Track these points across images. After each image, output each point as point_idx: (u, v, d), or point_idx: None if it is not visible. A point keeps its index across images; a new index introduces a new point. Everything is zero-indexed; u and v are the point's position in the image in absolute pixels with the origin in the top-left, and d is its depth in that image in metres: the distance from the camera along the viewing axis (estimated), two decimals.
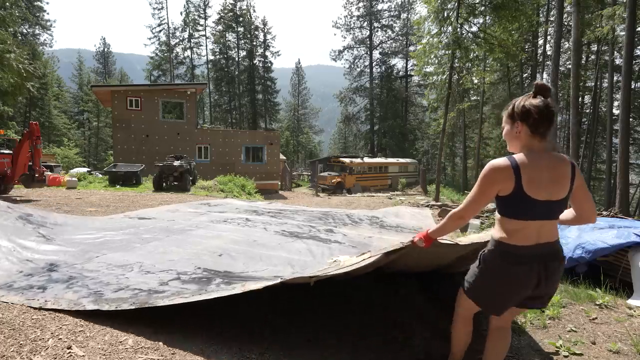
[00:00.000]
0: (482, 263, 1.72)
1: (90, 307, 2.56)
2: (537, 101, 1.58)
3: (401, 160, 32.94)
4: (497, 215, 1.71)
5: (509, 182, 1.55)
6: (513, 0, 17.56)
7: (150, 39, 49.01)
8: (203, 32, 49.88)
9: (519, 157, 1.58)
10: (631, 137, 23.32)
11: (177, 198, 10.63)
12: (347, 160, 26.95)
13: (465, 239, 2.43)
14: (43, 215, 5.19)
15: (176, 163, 13.65)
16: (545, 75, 30.06)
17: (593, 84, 26.18)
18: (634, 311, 3.27)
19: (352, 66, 47.29)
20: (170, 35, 48.92)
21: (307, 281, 2.17)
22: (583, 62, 26.63)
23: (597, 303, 3.38)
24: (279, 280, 2.29)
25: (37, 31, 41.66)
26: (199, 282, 3.33)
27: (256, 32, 50.04)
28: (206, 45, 50.02)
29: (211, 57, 49.81)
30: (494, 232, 1.70)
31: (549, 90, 1.61)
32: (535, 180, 1.54)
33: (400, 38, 46.09)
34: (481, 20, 21.55)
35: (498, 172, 1.57)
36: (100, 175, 18.15)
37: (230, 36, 49.64)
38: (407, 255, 2.06)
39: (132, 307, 2.41)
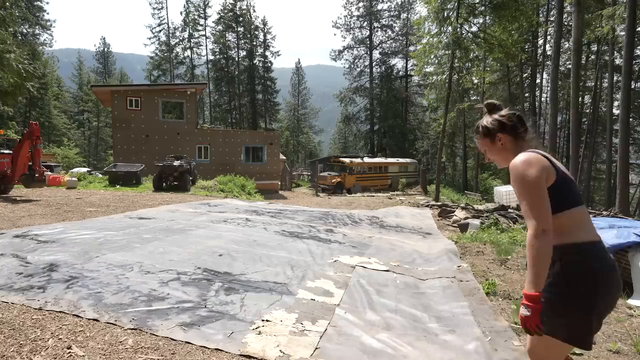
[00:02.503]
0: (566, 285, 1.35)
1: (90, 314, 2.56)
2: (501, 112, 1.63)
3: (401, 160, 32.92)
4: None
5: (550, 168, 1.41)
6: (513, 0, 17.56)
7: (150, 38, 49.08)
8: (203, 32, 49.92)
9: (531, 150, 1.49)
10: (631, 137, 23.34)
11: (177, 198, 10.63)
12: (347, 160, 26.94)
13: None
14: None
15: (176, 163, 13.65)
16: (545, 75, 30.09)
17: (593, 84, 26.19)
18: (634, 311, 3.26)
19: (352, 66, 47.29)
20: (170, 35, 48.92)
21: None
22: (583, 62, 26.63)
23: None
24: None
25: (37, 31, 41.63)
26: (198, 283, 3.33)
27: (256, 32, 50.04)
28: (206, 45, 50.09)
29: (211, 57, 49.84)
30: (557, 240, 1.35)
31: (500, 105, 1.67)
32: (560, 168, 1.46)
33: (400, 38, 46.06)
34: (481, 20, 21.53)
35: (536, 160, 1.40)
36: (100, 175, 18.14)
37: (230, 36, 49.63)
38: None
39: (131, 326, 2.40)
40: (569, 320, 1.34)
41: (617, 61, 22.41)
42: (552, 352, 1.39)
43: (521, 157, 1.43)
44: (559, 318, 1.34)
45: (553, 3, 24.39)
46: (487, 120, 1.66)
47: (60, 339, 2.21)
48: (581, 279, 1.33)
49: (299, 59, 62.68)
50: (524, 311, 1.30)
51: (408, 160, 33.80)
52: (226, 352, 2.20)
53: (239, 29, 49.24)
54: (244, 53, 49.92)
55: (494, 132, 1.63)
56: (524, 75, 32.59)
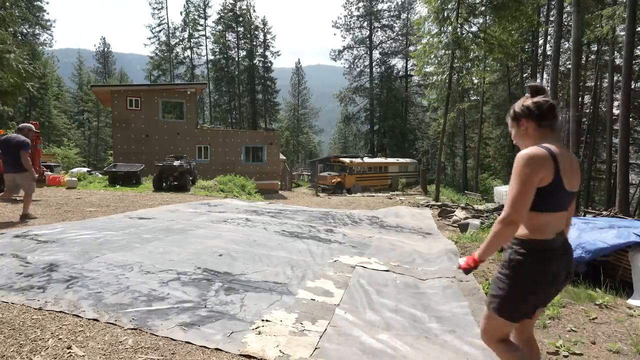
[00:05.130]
0: (513, 270, 1.56)
1: (90, 314, 2.57)
2: (536, 98, 1.65)
3: (401, 160, 32.91)
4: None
5: (549, 170, 1.48)
6: (513, 0, 17.56)
7: (150, 38, 49.10)
8: (203, 32, 49.94)
9: (550, 145, 1.53)
10: (631, 137, 23.31)
11: (177, 198, 10.63)
12: (347, 160, 26.93)
13: None
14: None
15: (176, 163, 13.63)
16: (545, 75, 30.07)
17: (593, 84, 26.18)
18: (634, 311, 3.26)
19: (352, 66, 47.29)
20: (170, 35, 48.93)
21: None
22: (583, 62, 26.61)
23: (597, 303, 3.38)
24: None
25: (37, 31, 41.59)
26: (198, 283, 3.33)
27: (256, 32, 50.05)
28: (206, 45, 50.10)
29: (211, 57, 49.84)
30: (520, 231, 1.55)
31: (544, 89, 1.68)
32: (567, 170, 1.52)
33: (400, 38, 46.07)
34: (481, 20, 21.55)
35: (539, 160, 1.48)
36: (100, 175, 18.14)
37: (230, 36, 49.64)
38: None
39: (131, 326, 2.40)
40: (506, 298, 1.57)
41: (617, 61, 22.41)
42: (501, 326, 1.65)
43: (527, 151, 1.51)
44: (500, 295, 1.59)
45: (553, 3, 24.38)
46: (519, 104, 1.69)
47: (60, 339, 2.21)
48: (521, 270, 1.55)
49: (299, 59, 62.75)
50: (463, 263, 1.65)
51: (408, 160, 33.80)
52: (226, 352, 2.20)
53: (239, 29, 49.26)
54: (244, 53, 49.94)
55: (520, 117, 1.67)
56: (524, 75, 32.59)
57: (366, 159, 29.07)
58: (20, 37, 36.70)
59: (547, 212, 1.53)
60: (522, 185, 1.47)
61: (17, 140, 5.89)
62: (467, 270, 1.65)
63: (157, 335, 2.32)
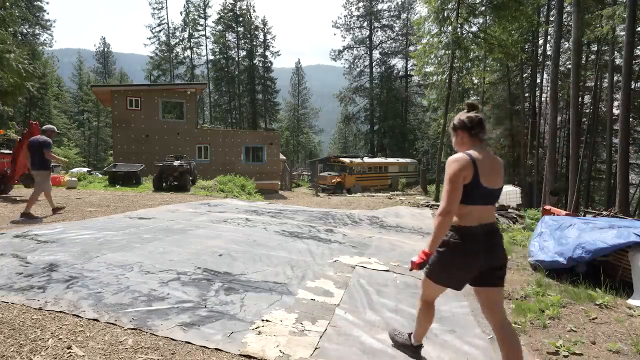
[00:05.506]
0: (443, 246, 1.99)
1: (90, 314, 2.57)
2: (470, 113, 2.08)
3: (401, 160, 32.90)
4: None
5: (469, 171, 1.89)
6: (513, 0, 17.55)
7: (150, 38, 49.08)
8: (203, 32, 49.91)
9: (471, 152, 1.95)
10: (631, 137, 23.30)
11: (177, 198, 10.63)
12: (347, 160, 26.92)
13: None
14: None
15: (176, 163, 13.63)
16: (545, 75, 30.08)
17: (593, 84, 26.15)
18: (634, 311, 3.26)
19: (352, 66, 47.25)
20: (170, 35, 48.91)
21: None
22: (583, 62, 26.61)
23: (597, 303, 3.38)
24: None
25: (37, 31, 41.56)
26: (198, 283, 3.33)
27: (256, 32, 50.03)
28: (206, 45, 50.08)
29: (211, 57, 49.82)
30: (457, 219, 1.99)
31: (477, 106, 2.13)
32: (485, 171, 1.92)
33: (400, 38, 46.03)
34: (481, 20, 21.53)
35: (462, 163, 1.90)
36: (100, 175, 18.14)
37: (230, 36, 49.62)
38: None
39: (131, 326, 2.40)
40: (439, 269, 2.02)
41: (617, 61, 22.39)
42: (430, 289, 2.14)
43: (455, 156, 1.96)
44: (436, 267, 2.02)
45: (553, 3, 24.37)
46: (457, 117, 2.11)
47: (60, 339, 2.21)
48: (448, 247, 1.97)
49: (299, 59, 62.72)
50: (416, 259, 1.98)
51: (408, 160, 33.79)
52: (226, 352, 2.20)
53: (239, 29, 49.25)
54: (244, 53, 49.93)
55: (457, 128, 2.10)
56: (524, 75, 32.56)
57: (366, 159, 29.07)
58: (20, 37, 36.68)
59: (470, 204, 1.93)
60: (451, 182, 1.89)
61: (40, 141, 6.61)
62: (421, 265, 1.96)
63: (157, 335, 2.32)
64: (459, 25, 18.45)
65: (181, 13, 49.30)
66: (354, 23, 46.65)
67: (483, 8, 19.45)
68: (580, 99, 25.93)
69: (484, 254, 1.96)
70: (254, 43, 49.90)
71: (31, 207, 6.37)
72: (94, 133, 51.69)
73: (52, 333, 2.27)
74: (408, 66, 45.59)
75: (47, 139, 6.69)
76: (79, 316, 2.53)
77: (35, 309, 2.61)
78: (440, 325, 2.82)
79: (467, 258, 1.95)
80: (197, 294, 3.05)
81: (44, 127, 7.13)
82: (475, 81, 24.88)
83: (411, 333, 2.32)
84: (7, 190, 9.58)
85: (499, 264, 2.00)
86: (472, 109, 2.10)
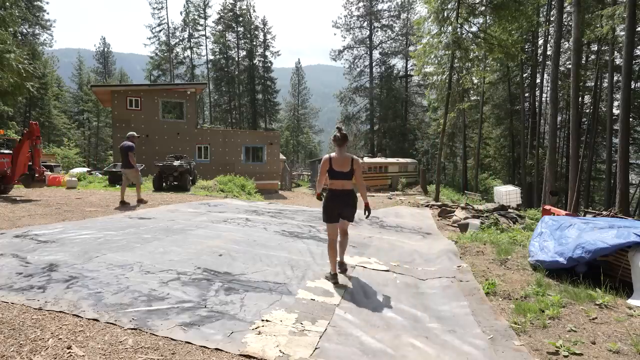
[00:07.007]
0: (324, 200, 3.71)
1: (90, 314, 2.56)
2: (336, 132, 3.66)
3: (401, 160, 32.89)
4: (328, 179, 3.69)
5: (328, 164, 3.63)
6: (513, 0, 17.55)
7: (150, 38, 49.03)
8: (203, 32, 49.88)
9: (333, 154, 3.65)
10: (631, 137, 23.32)
11: (177, 198, 10.63)
12: None
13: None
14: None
15: (176, 163, 13.63)
16: (545, 75, 30.08)
17: (593, 84, 26.17)
18: (634, 311, 3.26)
19: (352, 66, 47.19)
20: (170, 35, 48.87)
21: None
22: (583, 62, 26.61)
23: (597, 303, 3.38)
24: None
25: (37, 31, 41.53)
26: (198, 283, 3.33)
27: (256, 32, 50.03)
28: (206, 45, 50.06)
29: (211, 57, 49.80)
30: (328, 185, 3.71)
31: (341, 127, 3.72)
32: (337, 163, 3.60)
33: (400, 38, 45.99)
34: (481, 20, 21.53)
35: (326, 160, 3.65)
36: (100, 175, 18.14)
37: (230, 36, 49.62)
38: None
39: (131, 326, 2.40)
40: (323, 212, 3.74)
41: (617, 61, 22.41)
42: (328, 228, 3.77)
43: (325, 156, 3.69)
44: (323, 212, 3.76)
45: (553, 3, 24.38)
46: (334, 134, 3.71)
47: (60, 339, 2.21)
48: (325, 200, 3.69)
49: (299, 59, 62.73)
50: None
51: (408, 160, 33.78)
52: (226, 352, 2.20)
53: (239, 29, 49.25)
54: (244, 53, 49.92)
55: (333, 140, 3.66)
56: (524, 75, 32.56)
57: (366, 159, 29.06)
58: (20, 37, 36.68)
59: (332, 179, 3.64)
60: (322, 169, 3.66)
61: (125, 146, 8.20)
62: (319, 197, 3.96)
63: (157, 335, 2.32)
64: (459, 25, 18.45)
65: (181, 13, 49.29)
66: (354, 23, 46.63)
67: (483, 8, 19.44)
68: (580, 99, 25.92)
69: (341, 204, 3.65)
70: (254, 43, 49.90)
71: (140, 194, 8.77)
72: (94, 133, 51.69)
73: (52, 333, 2.27)
74: (408, 66, 45.56)
75: (130, 144, 8.13)
76: (79, 316, 2.53)
77: (35, 308, 2.61)
78: (440, 325, 2.81)
79: (333, 206, 3.65)
80: (197, 294, 3.05)
81: (128, 134, 8.52)
82: (475, 81, 24.89)
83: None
84: (7, 190, 9.58)
85: (351, 211, 3.72)
86: (340, 130, 3.66)
